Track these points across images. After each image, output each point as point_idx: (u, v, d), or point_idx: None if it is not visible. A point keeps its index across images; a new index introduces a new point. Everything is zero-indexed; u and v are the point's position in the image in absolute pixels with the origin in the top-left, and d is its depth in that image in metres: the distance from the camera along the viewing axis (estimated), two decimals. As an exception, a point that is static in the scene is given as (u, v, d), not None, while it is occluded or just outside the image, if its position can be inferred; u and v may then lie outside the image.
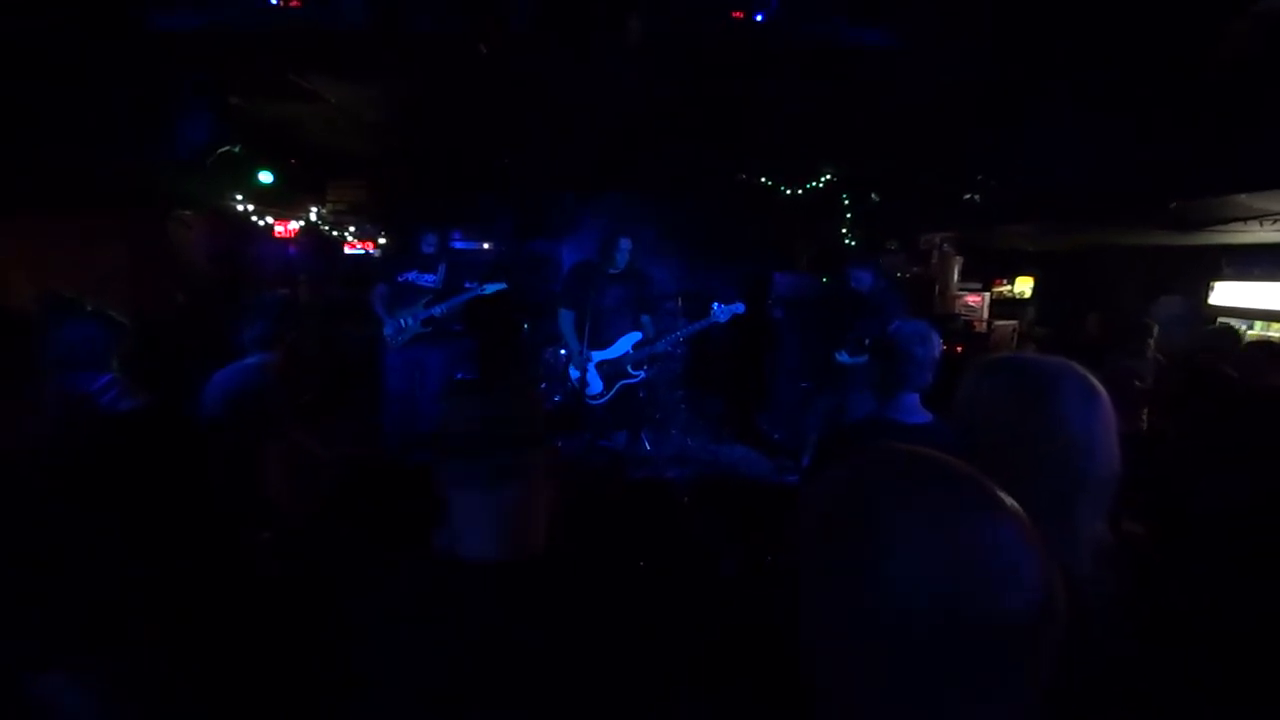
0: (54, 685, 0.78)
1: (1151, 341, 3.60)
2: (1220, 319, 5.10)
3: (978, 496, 0.54)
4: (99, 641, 0.81)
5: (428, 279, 4.22)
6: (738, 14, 2.42)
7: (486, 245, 5.82)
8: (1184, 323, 3.98)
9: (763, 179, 5.52)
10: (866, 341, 3.97)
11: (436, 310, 4.13)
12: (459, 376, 4.86)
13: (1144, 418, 3.49)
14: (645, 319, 4.15)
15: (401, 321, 4.14)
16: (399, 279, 4.20)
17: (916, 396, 1.82)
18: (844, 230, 5.54)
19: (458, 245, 5.79)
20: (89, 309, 2.01)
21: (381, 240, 6.04)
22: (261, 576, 1.61)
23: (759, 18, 2.42)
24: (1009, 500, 0.54)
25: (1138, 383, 3.47)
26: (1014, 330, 6.34)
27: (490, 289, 4.18)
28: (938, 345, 1.83)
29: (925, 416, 1.81)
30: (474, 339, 5.11)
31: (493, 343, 5.31)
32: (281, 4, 2.42)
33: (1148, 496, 2.08)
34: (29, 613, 0.77)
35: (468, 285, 4.19)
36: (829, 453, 1.90)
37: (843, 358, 4.08)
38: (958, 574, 0.50)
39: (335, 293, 5.78)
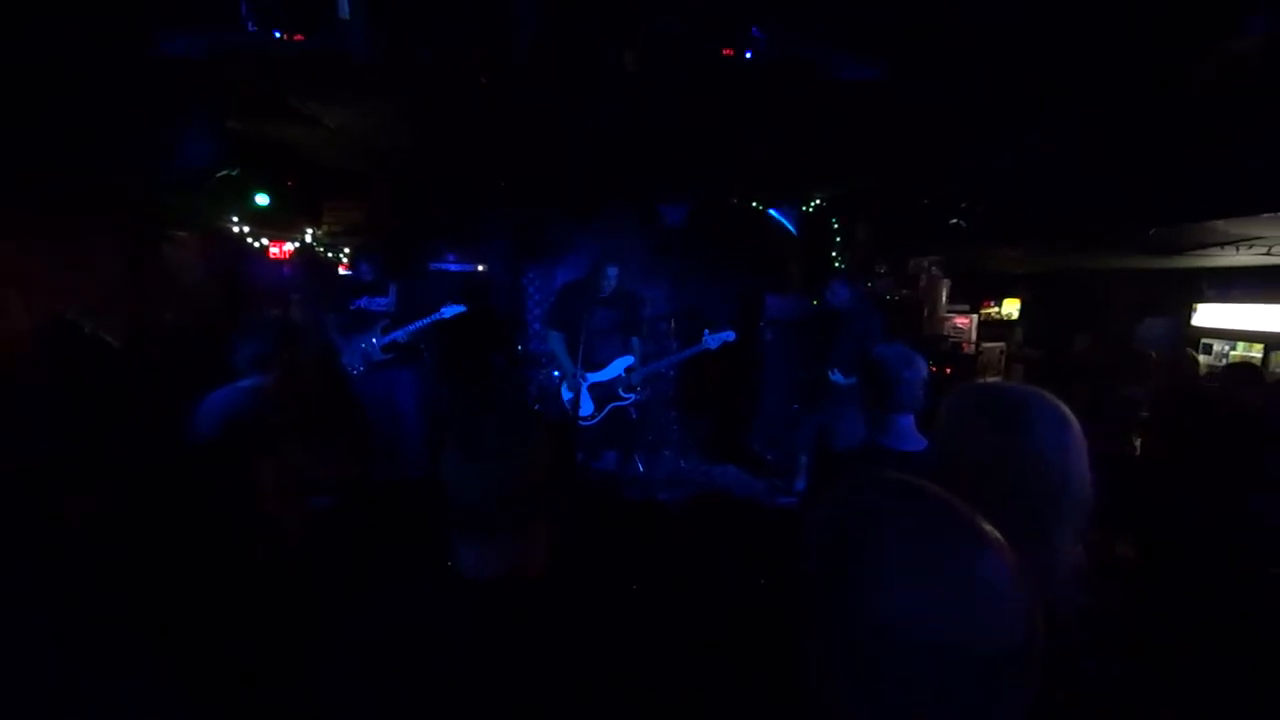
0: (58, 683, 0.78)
1: (1152, 367, 3.66)
2: (1203, 340, 5.22)
3: (963, 530, 0.56)
4: (102, 646, 0.82)
5: (379, 303, 4.21)
6: (728, 51, 2.49)
7: (481, 267, 5.86)
8: (1168, 344, 4.06)
9: (754, 203, 5.61)
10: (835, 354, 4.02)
11: (399, 335, 4.11)
12: (453, 400, 4.87)
13: (1136, 443, 3.54)
14: (635, 341, 4.19)
15: (362, 346, 4.14)
16: (351, 307, 4.20)
17: (911, 420, 1.78)
18: (834, 253, 5.63)
19: (451, 268, 5.83)
20: (87, 330, 2.02)
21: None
22: (255, 592, 1.60)
23: (748, 55, 2.49)
24: (994, 533, 0.56)
25: (1144, 413, 3.51)
26: (1002, 351, 6.42)
27: (449, 312, 4.11)
28: (923, 367, 1.81)
29: (920, 443, 1.75)
30: (447, 364, 5.09)
31: (473, 367, 5.30)
32: (285, 37, 2.48)
33: (1138, 518, 2.11)
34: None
35: (445, 309, 4.13)
36: (823, 480, 1.88)
37: (836, 377, 4.12)
38: (944, 606, 0.52)
39: (327, 314, 5.79)
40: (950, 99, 3.19)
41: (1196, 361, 4.08)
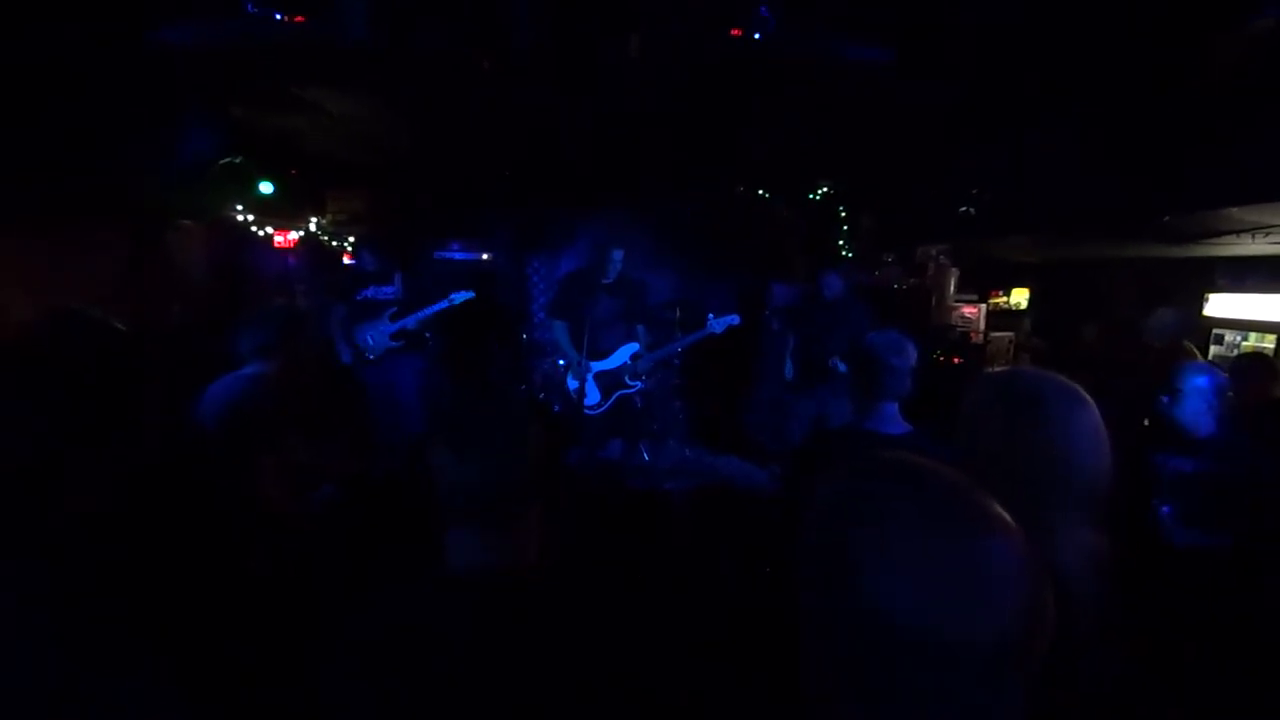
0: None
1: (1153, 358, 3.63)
2: (1215, 330, 5.15)
3: (970, 510, 0.54)
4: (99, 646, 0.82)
5: (386, 291, 4.20)
6: (736, 32, 2.45)
7: (486, 256, 5.85)
8: (1175, 334, 4.02)
9: (760, 191, 5.56)
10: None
11: (408, 322, 4.11)
12: (450, 389, 4.87)
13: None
14: (640, 329, 4.17)
15: (369, 338, 4.13)
16: (357, 298, 4.18)
17: (896, 406, 1.79)
18: (841, 241, 5.58)
19: (456, 256, 5.82)
20: (95, 316, 2.01)
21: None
22: (255, 586, 1.61)
23: (757, 36, 2.45)
24: (1002, 513, 0.54)
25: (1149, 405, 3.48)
26: (1010, 341, 6.37)
27: (459, 298, 4.13)
28: (913, 354, 1.81)
29: (904, 427, 1.77)
30: (451, 351, 5.09)
31: (474, 357, 5.30)
32: (286, 19, 2.45)
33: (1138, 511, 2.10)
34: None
35: (455, 295, 4.14)
36: (807, 460, 1.88)
37: (841, 366, 4.10)
38: (946, 592, 0.50)
39: (333, 304, 5.79)
40: (960, 88, 3.14)
41: (1194, 353, 4.05)
